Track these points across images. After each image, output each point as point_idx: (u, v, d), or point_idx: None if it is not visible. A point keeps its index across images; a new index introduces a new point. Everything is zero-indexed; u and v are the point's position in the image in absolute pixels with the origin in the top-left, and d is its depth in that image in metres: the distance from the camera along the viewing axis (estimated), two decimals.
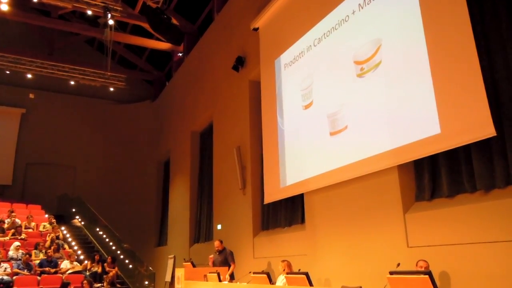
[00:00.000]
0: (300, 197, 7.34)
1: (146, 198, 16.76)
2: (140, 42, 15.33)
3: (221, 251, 7.80)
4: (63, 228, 13.24)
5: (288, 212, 7.88)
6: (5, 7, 12.22)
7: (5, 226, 11.24)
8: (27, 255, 9.42)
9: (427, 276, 3.14)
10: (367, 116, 5.76)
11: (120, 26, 14.58)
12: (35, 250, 10.19)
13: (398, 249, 5.10)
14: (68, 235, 13.08)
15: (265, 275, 5.14)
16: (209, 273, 6.75)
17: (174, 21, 12.65)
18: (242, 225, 9.05)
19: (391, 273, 3.47)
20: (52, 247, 10.38)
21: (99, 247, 13.48)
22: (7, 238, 10.79)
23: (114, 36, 12.90)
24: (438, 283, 3.48)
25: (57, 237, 11.38)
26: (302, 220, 7.36)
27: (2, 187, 15.60)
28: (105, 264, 10.91)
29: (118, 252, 13.41)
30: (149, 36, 14.78)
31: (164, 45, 15.08)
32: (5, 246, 10.25)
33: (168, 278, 12.10)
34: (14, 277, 8.83)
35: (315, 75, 7.04)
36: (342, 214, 6.17)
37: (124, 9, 12.93)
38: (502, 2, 4.52)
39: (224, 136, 10.58)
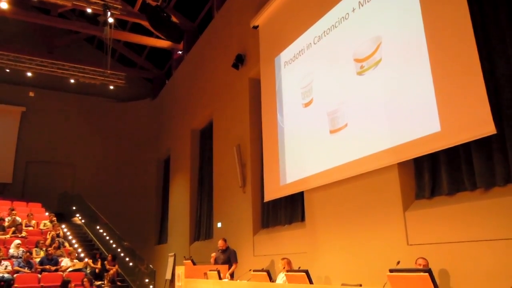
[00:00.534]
0: (300, 195, 7.35)
1: (146, 196, 16.77)
2: (140, 40, 15.31)
3: (225, 250, 7.80)
4: (63, 226, 13.25)
5: (288, 210, 7.88)
6: (4, 5, 12.21)
7: (6, 224, 11.25)
8: (28, 253, 9.44)
9: (427, 274, 3.14)
10: (367, 114, 5.76)
11: (120, 24, 14.56)
12: (35, 248, 10.21)
13: (398, 247, 5.11)
14: (68, 233, 13.11)
15: (265, 273, 5.15)
16: (210, 271, 6.76)
17: (173, 19, 12.59)
18: (242, 223, 9.06)
19: (391, 271, 3.48)
20: (53, 245, 10.39)
21: (100, 245, 13.50)
22: (8, 236, 10.81)
23: (114, 34, 12.88)
24: (438, 281, 3.48)
25: (58, 235, 11.40)
26: (302, 218, 7.37)
27: (2, 185, 15.61)
28: (106, 262, 10.94)
29: (119, 250, 13.43)
30: (149, 34, 14.77)
31: (164, 43, 15.07)
32: (6, 244, 10.27)
33: (168, 276, 12.12)
34: (15, 275, 8.85)
35: (315, 73, 7.03)
36: (342, 212, 6.18)
37: (124, 7, 12.93)
38: None
39: (224, 134, 10.57)
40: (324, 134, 6.60)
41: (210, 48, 12.03)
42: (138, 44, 16.32)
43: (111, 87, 15.78)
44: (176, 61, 15.95)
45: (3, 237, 10.69)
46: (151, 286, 12.55)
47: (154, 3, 11.67)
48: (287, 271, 5.48)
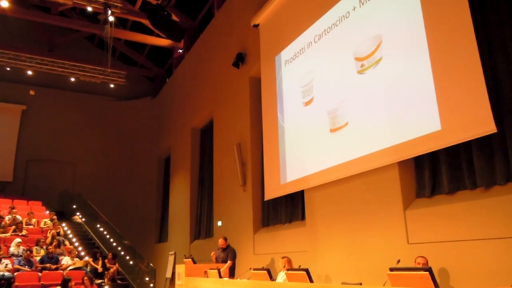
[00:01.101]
0: (301, 193, 7.35)
1: (147, 194, 16.78)
2: (140, 38, 15.30)
3: (225, 249, 7.80)
4: (63, 224, 13.26)
5: (289, 208, 7.89)
6: (5, 4, 12.21)
7: (6, 222, 11.25)
8: (28, 252, 9.44)
9: (427, 272, 3.14)
10: (367, 112, 5.76)
11: (120, 22, 14.54)
12: (36, 247, 10.21)
13: (398, 245, 5.11)
14: (68, 232, 13.11)
15: (265, 272, 5.15)
16: (210, 269, 6.76)
17: (174, 17, 12.59)
18: (243, 222, 9.06)
19: (391, 269, 3.47)
20: (54, 244, 10.40)
21: (100, 244, 13.51)
22: (8, 234, 10.82)
23: (114, 33, 12.88)
24: (438, 279, 3.48)
25: (58, 234, 11.40)
26: (303, 217, 7.37)
27: (3, 183, 15.62)
28: (106, 261, 10.94)
29: (119, 248, 13.43)
30: (150, 32, 14.76)
31: (164, 42, 15.06)
32: (6, 242, 10.28)
33: (168, 274, 12.11)
34: (15, 273, 8.86)
35: (316, 71, 7.02)
36: (342, 210, 6.18)
37: (124, 5, 12.92)
38: None
39: (224, 132, 10.57)
40: (324, 133, 6.59)
41: (211, 46, 12.03)
42: (138, 42, 16.32)
43: (112, 86, 15.78)
44: (177, 60, 15.94)
45: (3, 235, 10.70)
46: (151, 285, 12.54)
47: (154, 2, 11.66)
48: (288, 269, 5.47)
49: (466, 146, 4.66)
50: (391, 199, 5.32)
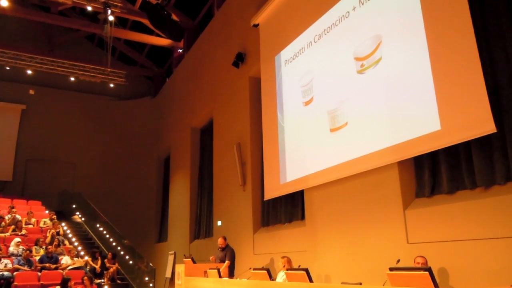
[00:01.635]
0: (300, 193, 7.35)
1: (146, 194, 16.78)
2: (140, 38, 15.29)
3: (224, 248, 7.81)
4: (63, 224, 13.25)
5: (288, 208, 7.89)
6: (5, 3, 12.20)
7: (6, 221, 11.25)
8: (28, 251, 9.44)
9: (427, 272, 3.14)
10: (367, 112, 5.76)
11: (120, 22, 14.53)
12: (35, 246, 10.20)
13: (398, 245, 5.11)
14: (68, 231, 13.10)
15: (265, 271, 5.15)
16: (209, 269, 6.76)
17: (174, 17, 12.61)
18: (242, 221, 9.06)
19: (391, 269, 3.47)
20: (54, 243, 10.39)
21: (100, 243, 13.51)
22: (8, 234, 10.81)
23: (114, 32, 12.88)
24: (437, 279, 3.48)
25: (58, 233, 11.40)
26: (302, 217, 7.37)
27: (2, 183, 15.61)
28: (106, 260, 10.94)
29: (118, 248, 13.44)
30: (149, 32, 14.75)
31: (164, 41, 15.05)
32: (6, 242, 10.28)
33: (168, 274, 12.12)
34: (15, 273, 8.85)
35: (316, 71, 7.02)
36: (342, 210, 6.18)
37: (124, 5, 12.91)
38: None
39: (224, 132, 10.57)
40: (324, 133, 6.60)
41: (211, 46, 12.02)
42: (138, 42, 16.31)
43: (112, 85, 15.77)
44: (177, 59, 15.94)
45: (3, 235, 10.69)
46: (151, 285, 12.55)
47: (154, 1, 11.67)
48: (287, 269, 5.47)
49: (466, 146, 4.67)
50: (391, 199, 5.33)
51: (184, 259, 8.03)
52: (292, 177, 7.33)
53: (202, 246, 11.27)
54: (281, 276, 6.00)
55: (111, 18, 11.85)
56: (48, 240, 10.70)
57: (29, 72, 14.89)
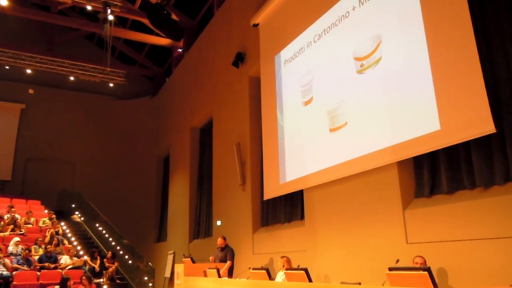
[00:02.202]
0: (300, 193, 7.35)
1: (146, 193, 16.77)
2: (140, 37, 15.28)
3: (223, 248, 7.80)
4: (62, 223, 13.24)
5: (288, 208, 7.89)
6: (4, 2, 12.19)
7: (5, 221, 11.24)
8: (27, 251, 9.43)
9: (426, 272, 3.13)
10: (367, 112, 5.76)
11: (120, 21, 14.52)
12: (34, 246, 10.20)
13: (397, 245, 5.11)
14: (67, 231, 13.10)
15: (264, 271, 5.15)
16: (209, 269, 6.76)
17: (174, 16, 12.59)
18: (242, 221, 9.06)
19: (390, 269, 3.47)
20: (54, 243, 10.38)
21: (99, 243, 13.50)
22: (7, 233, 10.80)
23: (114, 32, 12.86)
24: (437, 279, 3.48)
25: (57, 233, 11.39)
26: (302, 216, 7.37)
27: (1, 182, 15.59)
28: (105, 260, 10.93)
29: (118, 247, 13.43)
30: (149, 31, 14.73)
31: (164, 41, 15.04)
32: (5, 241, 10.27)
33: (167, 273, 12.11)
34: (14, 273, 8.84)
35: (315, 71, 7.02)
36: (341, 210, 6.18)
37: (124, 4, 12.89)
38: None
39: (224, 132, 10.57)
40: (324, 133, 6.59)
41: (210, 46, 12.02)
42: (138, 41, 16.30)
43: (111, 85, 15.74)
44: (176, 59, 15.93)
45: (2, 234, 10.68)
46: (150, 284, 12.55)
47: (154, 1, 11.66)
48: (287, 269, 5.48)
49: (465, 146, 4.67)
50: (390, 199, 5.33)
51: (184, 259, 8.03)
52: (291, 177, 7.33)
53: (201, 246, 11.27)
54: (280, 276, 6.01)
55: (110, 17, 11.83)
56: (47, 239, 10.69)
57: (29, 71, 14.86)
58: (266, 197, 8.10)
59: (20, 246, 9.89)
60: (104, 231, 14.11)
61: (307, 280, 4.33)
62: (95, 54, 16.50)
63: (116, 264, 11.08)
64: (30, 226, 11.77)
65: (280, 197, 7.92)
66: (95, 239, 13.81)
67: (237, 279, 6.59)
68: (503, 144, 4.34)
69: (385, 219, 5.36)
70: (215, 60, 11.48)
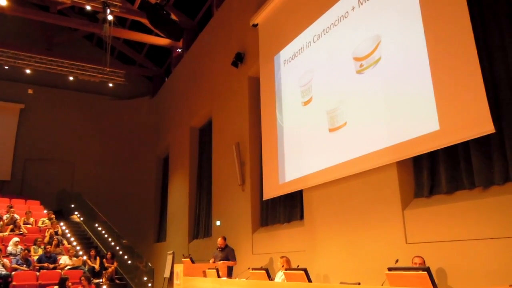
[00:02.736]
0: (299, 193, 7.35)
1: (145, 193, 16.76)
2: (139, 37, 15.27)
3: (223, 248, 7.79)
4: (62, 223, 13.24)
5: (287, 208, 7.88)
6: (3, 2, 12.18)
7: (4, 221, 11.23)
8: (26, 251, 9.42)
9: (425, 272, 3.14)
10: (366, 112, 5.76)
11: (119, 21, 14.52)
12: (34, 246, 10.19)
13: (397, 245, 5.11)
14: (67, 231, 13.09)
15: (263, 271, 5.15)
16: (208, 269, 6.76)
17: (173, 16, 12.58)
18: (241, 221, 9.05)
19: (390, 269, 3.47)
20: (53, 243, 10.38)
21: (98, 243, 13.49)
22: (6, 233, 10.79)
23: (113, 32, 12.86)
24: (436, 279, 3.48)
25: (56, 233, 11.38)
26: (301, 217, 7.37)
27: (0, 182, 15.57)
28: (104, 260, 10.92)
29: (117, 248, 13.42)
30: (148, 31, 14.73)
31: (163, 41, 15.04)
32: (4, 241, 10.26)
33: (167, 274, 12.11)
34: (13, 273, 8.83)
35: (315, 71, 7.03)
36: (341, 210, 6.18)
37: (123, 4, 12.89)
38: None
39: (223, 132, 10.57)
40: (323, 133, 6.60)
41: (210, 46, 12.02)
42: (137, 41, 16.30)
43: (110, 85, 15.73)
44: (176, 59, 15.92)
45: (1, 234, 10.67)
46: (149, 284, 12.54)
47: (153, 1, 11.65)
48: (286, 269, 5.48)
49: (465, 146, 4.67)
50: (390, 199, 5.33)
51: (183, 259, 8.02)
52: (291, 177, 7.33)
53: (201, 246, 11.26)
54: (279, 276, 6.01)
55: (110, 17, 11.83)
56: (46, 239, 10.69)
57: (28, 71, 14.85)
58: (265, 197, 8.10)
59: (19, 246, 9.88)
60: (103, 231, 14.11)
61: (307, 280, 4.33)
62: (95, 54, 16.49)
63: (115, 264, 11.07)
64: (29, 226, 11.76)
65: (279, 197, 7.92)
66: (95, 239, 13.81)
67: (237, 279, 6.59)
68: (502, 144, 4.34)
69: (385, 219, 5.37)
70: (215, 60, 11.48)
